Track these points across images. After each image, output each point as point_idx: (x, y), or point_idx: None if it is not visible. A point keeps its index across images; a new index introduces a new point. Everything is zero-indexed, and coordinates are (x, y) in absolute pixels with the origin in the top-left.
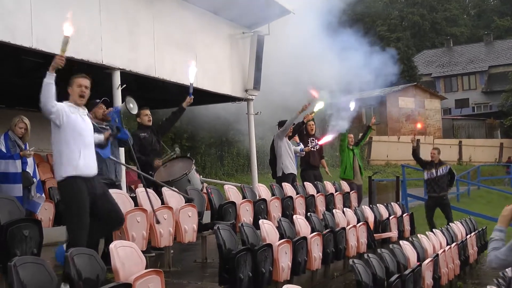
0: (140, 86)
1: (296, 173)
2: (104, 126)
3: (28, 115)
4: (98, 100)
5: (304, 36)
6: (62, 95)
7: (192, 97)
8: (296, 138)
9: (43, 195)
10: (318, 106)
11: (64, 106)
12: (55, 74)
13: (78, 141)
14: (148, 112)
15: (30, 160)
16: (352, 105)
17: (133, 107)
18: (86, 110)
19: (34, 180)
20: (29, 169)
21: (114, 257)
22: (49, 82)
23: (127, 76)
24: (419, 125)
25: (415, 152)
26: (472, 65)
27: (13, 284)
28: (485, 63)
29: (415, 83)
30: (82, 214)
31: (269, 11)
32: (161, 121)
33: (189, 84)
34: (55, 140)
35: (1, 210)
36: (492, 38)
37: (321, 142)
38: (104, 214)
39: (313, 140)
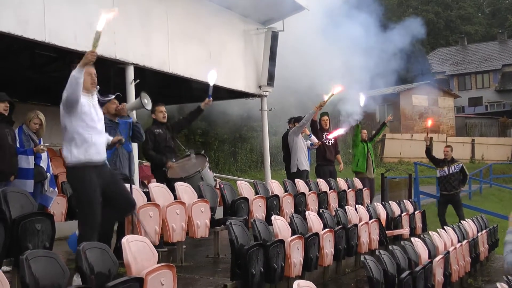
0: (154, 81)
1: (309, 170)
2: (117, 121)
3: (41, 109)
4: (111, 95)
5: (317, 31)
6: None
7: (211, 99)
8: (306, 130)
9: (56, 189)
10: (329, 96)
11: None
12: (84, 69)
13: (89, 128)
14: (163, 108)
15: (44, 155)
16: (362, 100)
17: (148, 103)
18: (97, 97)
19: (48, 174)
20: (43, 164)
21: (126, 251)
22: (79, 77)
23: (141, 71)
24: (429, 122)
25: (429, 151)
26: (486, 63)
27: (25, 277)
28: (498, 62)
29: (429, 81)
30: (93, 205)
31: (283, 8)
32: (177, 119)
33: (204, 80)
34: (67, 126)
35: (14, 204)
36: (506, 36)
37: (332, 135)
38: (115, 199)
39: (327, 135)
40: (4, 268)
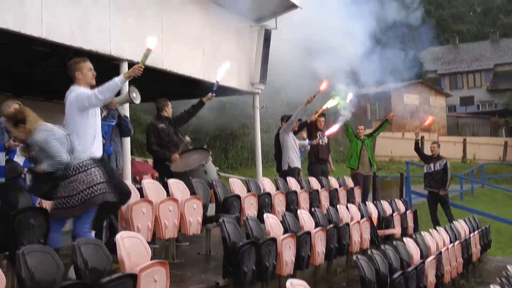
0: (148, 78)
1: (300, 167)
2: (106, 115)
3: (34, 104)
4: None
5: (312, 27)
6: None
7: (214, 94)
8: (304, 133)
9: None
10: (333, 103)
11: None
12: (127, 80)
13: (93, 125)
14: (170, 105)
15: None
16: (350, 96)
17: (136, 97)
18: None
19: (25, 169)
20: (18, 159)
21: (120, 247)
22: (120, 86)
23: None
24: (429, 119)
25: (417, 146)
26: (478, 63)
27: (21, 272)
28: (490, 61)
29: (420, 79)
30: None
31: (276, 5)
32: (180, 113)
33: (197, 77)
34: (73, 124)
35: (8, 198)
36: (498, 36)
37: (327, 132)
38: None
39: (321, 134)
40: None
